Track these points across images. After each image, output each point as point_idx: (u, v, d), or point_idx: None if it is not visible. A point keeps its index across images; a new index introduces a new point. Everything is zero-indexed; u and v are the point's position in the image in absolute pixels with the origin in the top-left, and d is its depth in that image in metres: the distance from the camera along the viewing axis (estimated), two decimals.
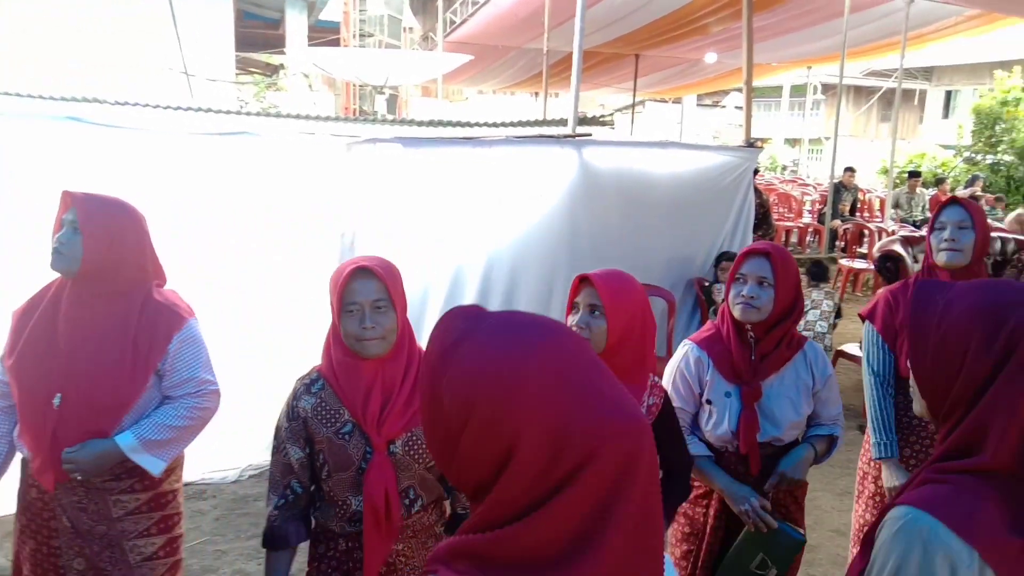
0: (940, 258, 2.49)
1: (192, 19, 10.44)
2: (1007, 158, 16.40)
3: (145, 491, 2.20)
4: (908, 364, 1.26)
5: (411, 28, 12.22)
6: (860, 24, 10.34)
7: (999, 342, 1.12)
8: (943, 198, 11.38)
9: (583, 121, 5.87)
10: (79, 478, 2.11)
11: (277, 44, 11.71)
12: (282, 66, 12.31)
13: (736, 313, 2.23)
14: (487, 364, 0.81)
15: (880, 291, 2.77)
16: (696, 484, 2.32)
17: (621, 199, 5.08)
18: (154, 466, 2.16)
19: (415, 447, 1.93)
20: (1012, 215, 11.19)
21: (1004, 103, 16.91)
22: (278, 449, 1.95)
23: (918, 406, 1.26)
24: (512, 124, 5.91)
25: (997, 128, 16.69)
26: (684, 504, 2.33)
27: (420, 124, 5.94)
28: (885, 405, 2.58)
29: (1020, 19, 10.15)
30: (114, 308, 2.13)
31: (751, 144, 5.53)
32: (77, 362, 2.08)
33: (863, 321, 2.72)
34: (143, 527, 2.21)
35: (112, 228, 2.12)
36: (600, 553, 0.79)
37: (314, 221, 4.08)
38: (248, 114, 6.60)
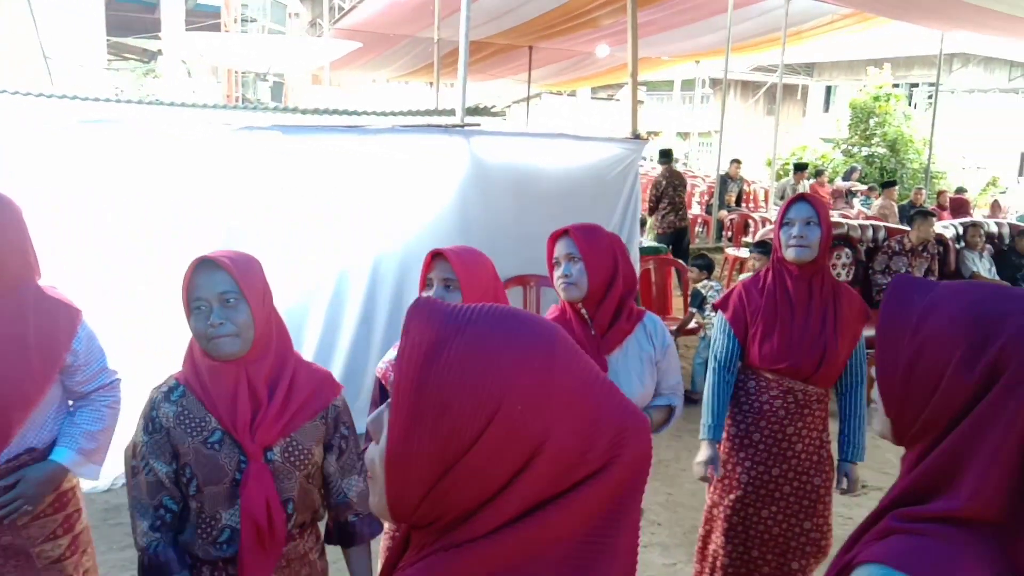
0: (789, 254, 2.58)
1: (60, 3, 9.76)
2: (880, 150, 17.41)
3: (49, 492, 2.11)
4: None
5: (297, 14, 11.82)
6: (743, 20, 10.69)
7: (985, 358, 0.95)
8: (821, 189, 11.89)
9: (473, 111, 5.79)
10: (29, 509, 2.03)
11: (153, 28, 11.09)
12: (160, 52, 11.68)
13: (561, 294, 2.30)
14: (514, 359, 0.72)
15: (736, 283, 2.86)
16: None
17: (512, 190, 5.04)
18: (95, 474, 2.15)
19: (295, 453, 1.80)
20: (876, 204, 11.90)
21: (876, 98, 17.91)
22: (138, 469, 1.77)
23: (879, 424, 1.09)
24: (400, 113, 5.77)
25: (871, 122, 17.69)
26: None
27: (304, 112, 5.73)
28: (719, 391, 2.69)
29: (889, 19, 10.72)
30: (6, 306, 2.01)
31: (637, 136, 5.59)
32: None
33: (714, 311, 2.87)
34: (49, 530, 2.12)
35: None
36: (616, 549, 0.76)
37: (194, 213, 3.87)
38: (120, 102, 6.21)
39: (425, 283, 2.06)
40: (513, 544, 0.72)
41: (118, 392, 2.23)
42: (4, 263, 1.99)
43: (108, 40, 10.69)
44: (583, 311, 2.29)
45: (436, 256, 2.05)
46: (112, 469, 3.95)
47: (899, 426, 1.02)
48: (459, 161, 4.74)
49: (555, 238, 2.31)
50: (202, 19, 11.68)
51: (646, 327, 2.37)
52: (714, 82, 23.37)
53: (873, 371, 1.08)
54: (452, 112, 5.47)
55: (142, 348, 3.63)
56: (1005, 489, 0.92)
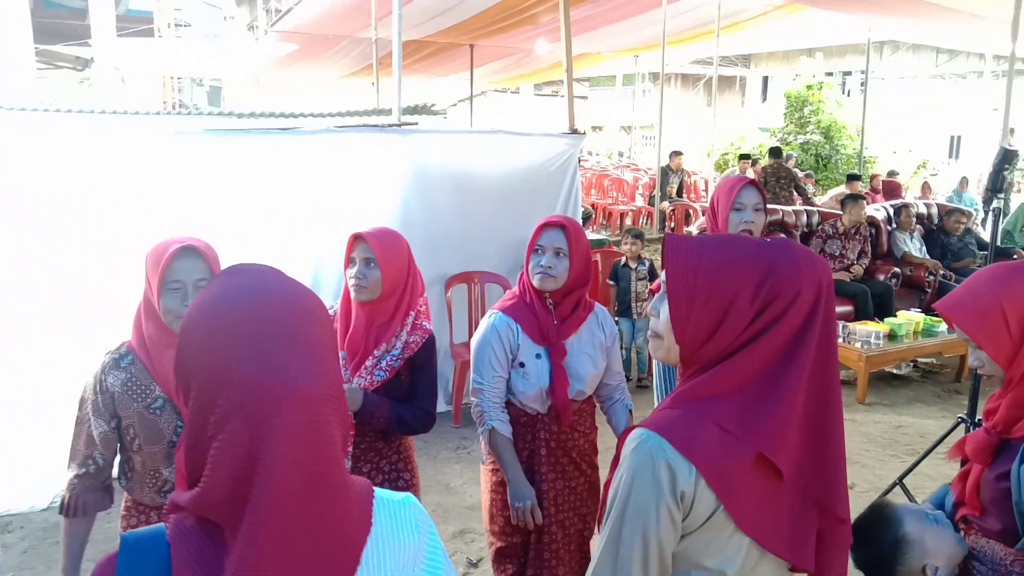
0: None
1: None
2: (815, 137, 17.87)
3: None
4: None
5: (232, 17, 11.65)
6: (678, 14, 10.87)
7: (763, 292, 1.22)
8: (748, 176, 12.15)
9: (412, 111, 5.82)
10: None
11: (84, 35, 10.83)
12: (92, 59, 11.41)
13: (535, 282, 2.41)
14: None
15: None
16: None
17: (452, 187, 5.09)
18: None
19: None
20: (833, 192, 12.24)
21: (809, 87, 18.37)
22: (82, 420, 1.99)
23: (663, 351, 1.31)
24: (338, 115, 5.77)
25: (805, 110, 18.13)
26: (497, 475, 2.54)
27: (240, 116, 5.69)
28: (666, 375, 2.89)
29: (821, 8, 11.02)
30: None
31: (574, 131, 5.69)
32: None
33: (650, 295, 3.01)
34: None
35: None
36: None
37: (125, 217, 3.83)
38: (50, 111, 6.08)
39: (349, 262, 2.30)
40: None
41: None
42: None
43: (37, 47, 10.41)
44: (549, 301, 2.44)
45: (357, 238, 2.28)
46: (50, 487, 3.91)
47: (687, 349, 1.27)
48: (397, 160, 4.77)
49: (545, 226, 2.42)
50: (134, 25, 11.44)
51: (597, 316, 2.55)
52: (654, 76, 23.71)
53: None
54: (387, 112, 5.49)
55: (71, 365, 3.60)
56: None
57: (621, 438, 1.31)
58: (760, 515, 1.21)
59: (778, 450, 1.20)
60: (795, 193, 10.79)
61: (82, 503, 2.00)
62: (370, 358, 2.29)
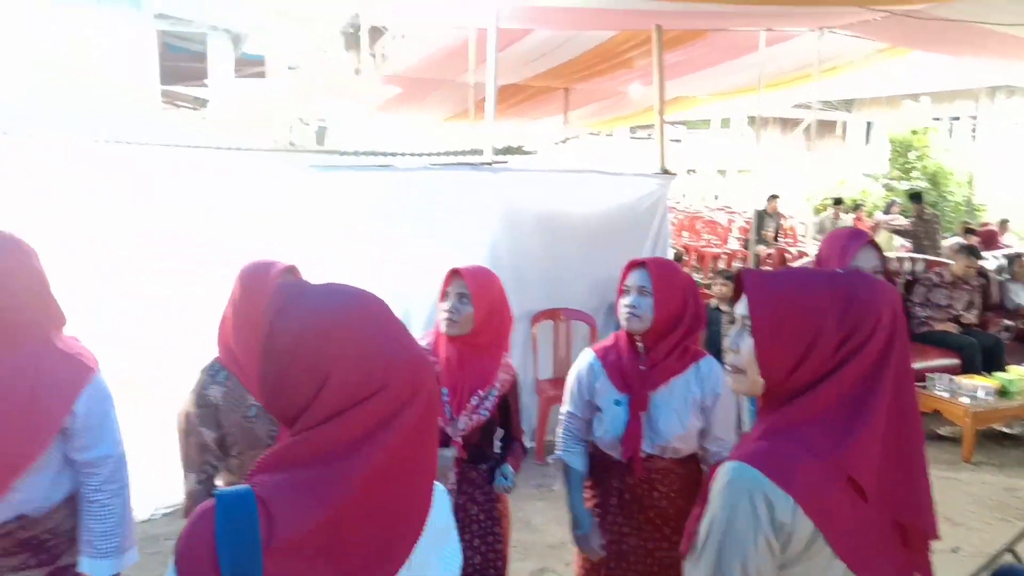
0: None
1: (114, 52, 10.28)
2: (920, 184, 17.18)
3: (42, 566, 2.00)
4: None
5: (341, 61, 12.24)
6: (776, 58, 10.76)
7: (846, 322, 1.24)
8: (860, 224, 11.79)
9: (503, 151, 5.96)
10: None
11: (203, 77, 11.58)
12: (209, 100, 12.18)
13: (623, 323, 2.35)
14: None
15: None
16: (592, 493, 2.47)
17: (540, 226, 5.16)
18: (134, 556, 2.11)
19: None
20: (948, 242, 11.75)
21: (915, 132, 17.74)
22: (189, 432, 2.12)
23: (747, 385, 1.34)
24: (433, 154, 5.96)
25: (910, 156, 17.49)
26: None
27: (343, 154, 5.95)
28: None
29: (927, 51, 10.70)
30: (7, 356, 1.88)
31: (665, 171, 5.68)
32: None
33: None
34: None
35: (2, 264, 1.87)
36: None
37: (228, 243, 4.05)
38: (172, 146, 6.50)
39: (444, 296, 2.40)
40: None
41: (120, 474, 2.06)
42: (11, 311, 1.87)
43: (161, 89, 11.20)
44: (639, 343, 2.33)
45: (454, 274, 2.39)
46: (153, 500, 4.11)
47: (771, 382, 1.29)
48: (487, 197, 4.88)
49: (631, 267, 2.37)
50: (249, 67, 12.17)
51: (700, 369, 2.34)
52: (751, 119, 23.39)
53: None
54: (481, 152, 5.63)
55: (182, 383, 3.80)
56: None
57: (710, 472, 1.32)
58: (854, 540, 1.23)
59: (865, 473, 1.22)
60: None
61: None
62: (474, 397, 2.36)
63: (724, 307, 5.90)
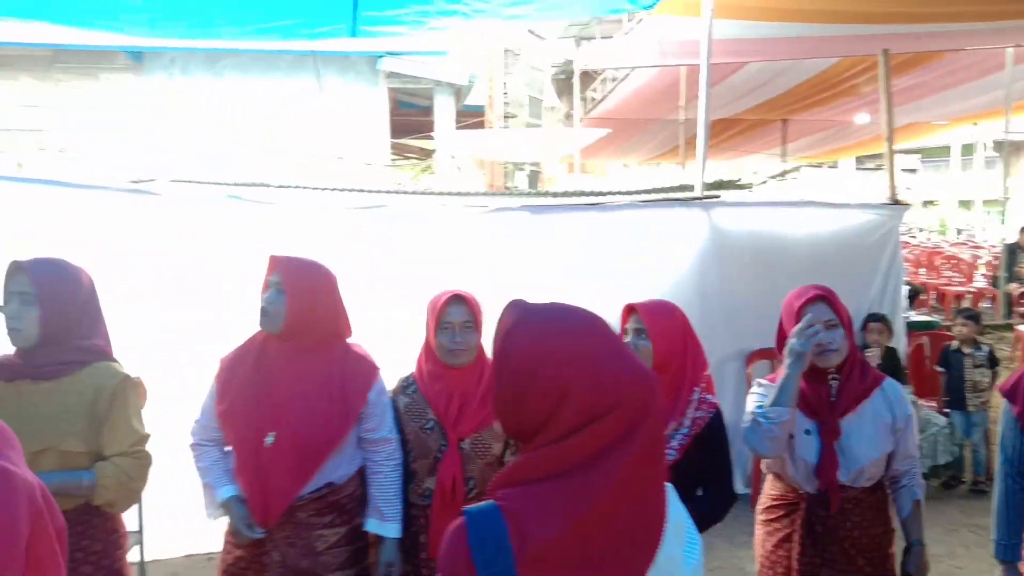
0: None
1: (352, 110, 11.43)
2: None
3: (343, 525, 2.41)
4: None
5: (553, 107, 12.68)
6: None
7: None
8: None
9: (715, 185, 5.83)
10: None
11: (428, 130, 12.50)
12: (433, 151, 13.11)
13: (819, 362, 2.28)
14: None
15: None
16: (777, 527, 2.36)
17: (755, 261, 4.94)
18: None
19: (480, 446, 2.44)
20: None
21: None
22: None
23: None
24: (641, 192, 5.97)
25: None
26: (765, 547, 2.42)
27: (554, 195, 6.12)
28: (1011, 500, 2.32)
29: None
30: (317, 359, 2.37)
31: (896, 201, 5.26)
32: (288, 406, 2.31)
33: (1003, 396, 2.43)
34: (340, 560, 2.39)
35: (312, 289, 2.38)
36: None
37: (445, 286, 4.28)
38: (402, 193, 7.06)
39: (623, 333, 2.41)
40: None
41: (398, 453, 2.48)
42: (319, 324, 2.37)
43: (391, 142, 12.23)
44: (833, 377, 2.31)
45: (630, 310, 2.41)
46: None
47: None
48: (698, 233, 4.77)
49: (809, 301, 2.34)
50: (469, 118, 12.96)
51: (886, 392, 2.34)
52: (998, 144, 21.07)
53: None
54: (691, 188, 5.54)
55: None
56: None
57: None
58: None
59: None
60: None
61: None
62: None
63: (966, 349, 5.32)
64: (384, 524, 2.42)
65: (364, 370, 2.45)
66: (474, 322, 2.45)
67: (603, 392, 1.08)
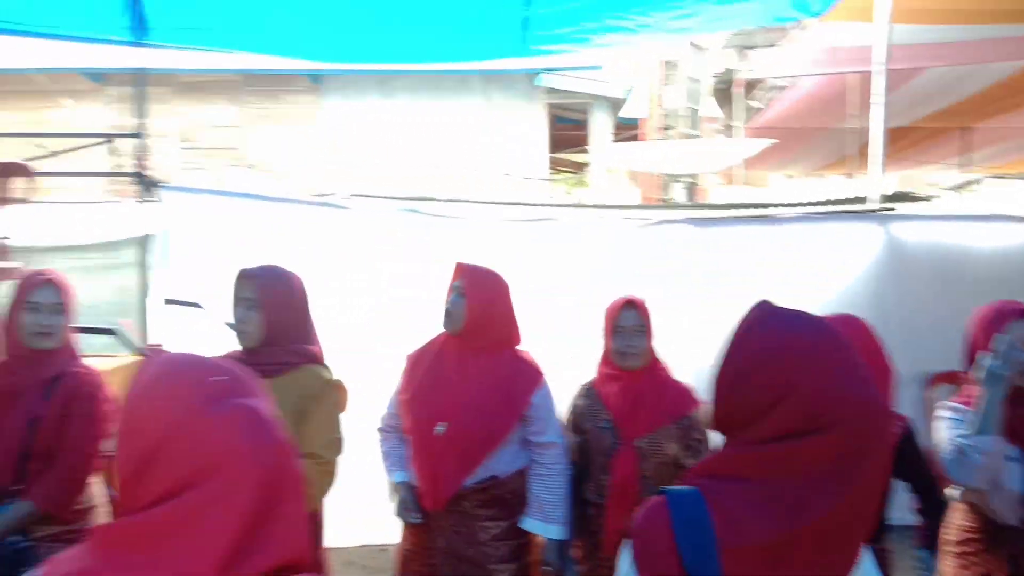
0: None
1: (514, 128, 11.78)
2: None
3: (506, 519, 2.54)
4: None
5: (713, 118, 12.46)
6: None
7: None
8: None
9: (890, 197, 5.55)
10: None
11: (584, 143, 12.64)
12: (588, 164, 13.23)
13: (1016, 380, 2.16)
14: None
15: None
16: (975, 561, 2.25)
17: (936, 278, 4.65)
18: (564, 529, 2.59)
19: (654, 445, 2.57)
20: None
21: None
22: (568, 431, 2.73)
23: None
24: (809, 204, 5.77)
25: None
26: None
27: (715, 207, 6.04)
28: None
29: None
30: (489, 360, 2.57)
31: None
32: (459, 400, 2.51)
33: None
34: (501, 553, 2.52)
35: (490, 295, 2.60)
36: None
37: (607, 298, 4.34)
38: (554, 206, 7.20)
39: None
40: None
41: (564, 458, 2.61)
42: (494, 326, 2.58)
43: (549, 156, 12.47)
44: None
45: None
46: None
47: None
48: (873, 248, 4.57)
49: (1011, 317, 2.31)
50: (625, 131, 12.98)
51: None
52: None
53: None
54: (863, 200, 5.30)
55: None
56: None
57: None
58: None
59: None
60: None
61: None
62: None
63: None
64: (548, 526, 2.52)
65: (530, 374, 2.61)
66: (645, 327, 2.60)
67: (824, 404, 1.06)
